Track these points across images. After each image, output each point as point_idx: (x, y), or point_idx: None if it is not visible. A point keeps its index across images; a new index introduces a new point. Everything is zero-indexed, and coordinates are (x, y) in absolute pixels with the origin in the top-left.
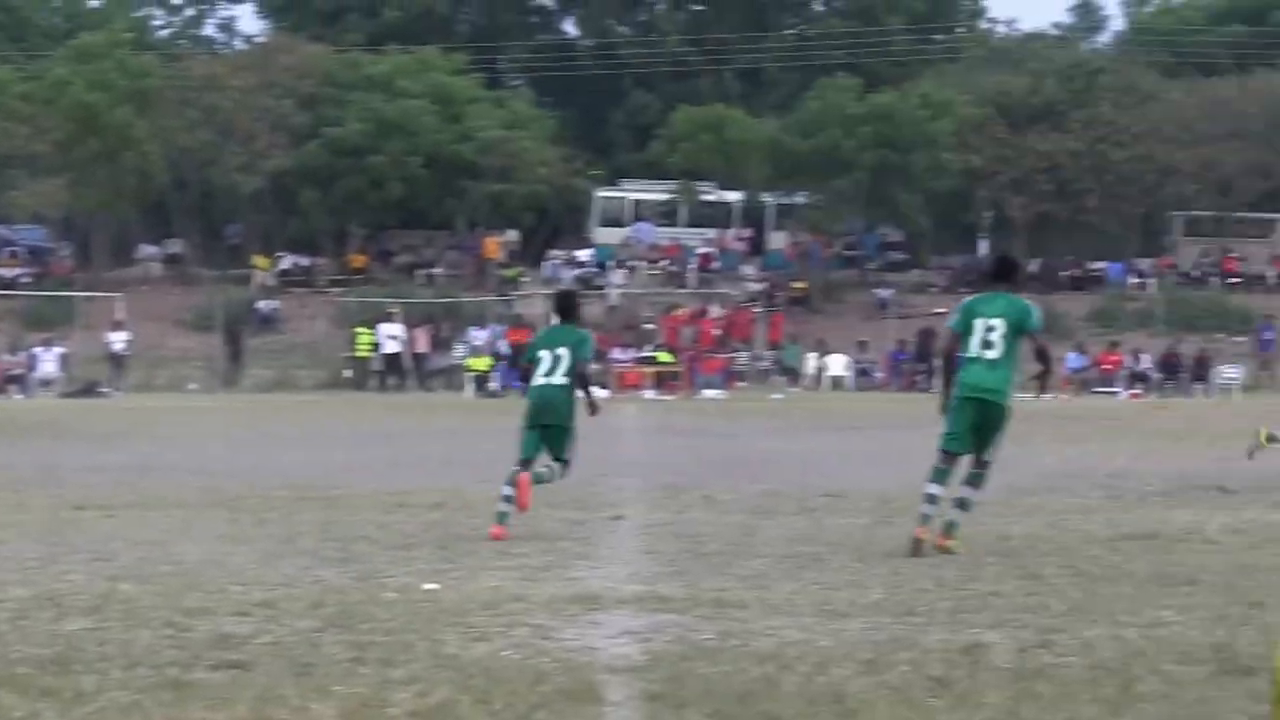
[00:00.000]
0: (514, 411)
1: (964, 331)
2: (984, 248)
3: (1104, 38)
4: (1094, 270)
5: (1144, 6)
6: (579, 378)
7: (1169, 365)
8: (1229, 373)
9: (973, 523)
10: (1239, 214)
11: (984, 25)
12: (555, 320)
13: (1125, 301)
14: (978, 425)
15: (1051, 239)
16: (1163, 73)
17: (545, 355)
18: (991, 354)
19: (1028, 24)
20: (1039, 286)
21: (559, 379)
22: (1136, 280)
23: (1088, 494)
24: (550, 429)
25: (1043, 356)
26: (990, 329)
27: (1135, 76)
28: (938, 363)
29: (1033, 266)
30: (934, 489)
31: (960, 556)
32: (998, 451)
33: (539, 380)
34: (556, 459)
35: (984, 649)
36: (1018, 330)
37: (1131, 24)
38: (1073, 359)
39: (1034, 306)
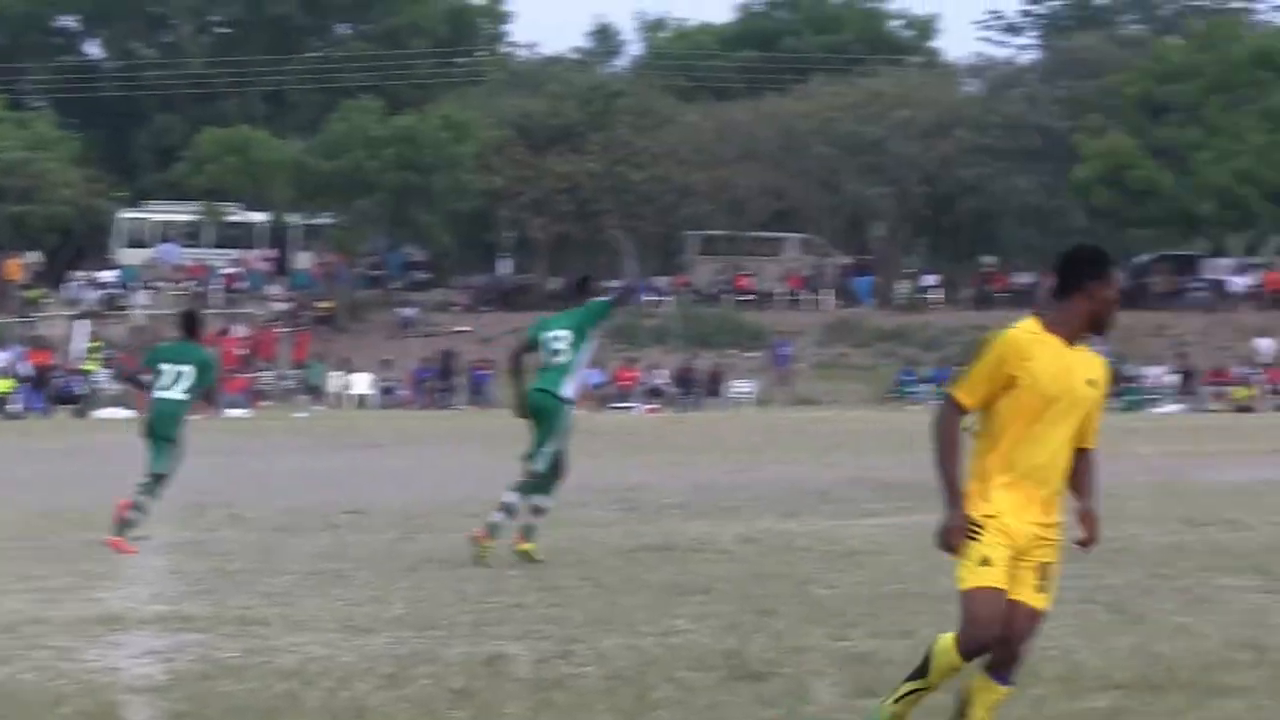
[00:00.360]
0: (34, 433)
1: (535, 343)
2: (505, 267)
3: (622, 62)
4: (611, 289)
5: (660, 31)
6: (203, 396)
7: (684, 380)
8: (742, 387)
9: (498, 536)
10: (751, 233)
11: (505, 49)
12: (178, 336)
13: (643, 318)
14: (538, 426)
15: (572, 258)
16: (679, 96)
17: (168, 369)
18: (558, 360)
19: (548, 48)
20: (559, 305)
21: (178, 394)
22: (654, 297)
23: (607, 507)
24: (159, 440)
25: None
26: (556, 339)
27: (652, 100)
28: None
29: (553, 285)
30: (541, 500)
31: (486, 569)
32: (547, 463)
33: (159, 393)
34: (156, 471)
35: (505, 660)
36: (582, 334)
37: (648, 48)
38: (591, 375)
39: (603, 303)
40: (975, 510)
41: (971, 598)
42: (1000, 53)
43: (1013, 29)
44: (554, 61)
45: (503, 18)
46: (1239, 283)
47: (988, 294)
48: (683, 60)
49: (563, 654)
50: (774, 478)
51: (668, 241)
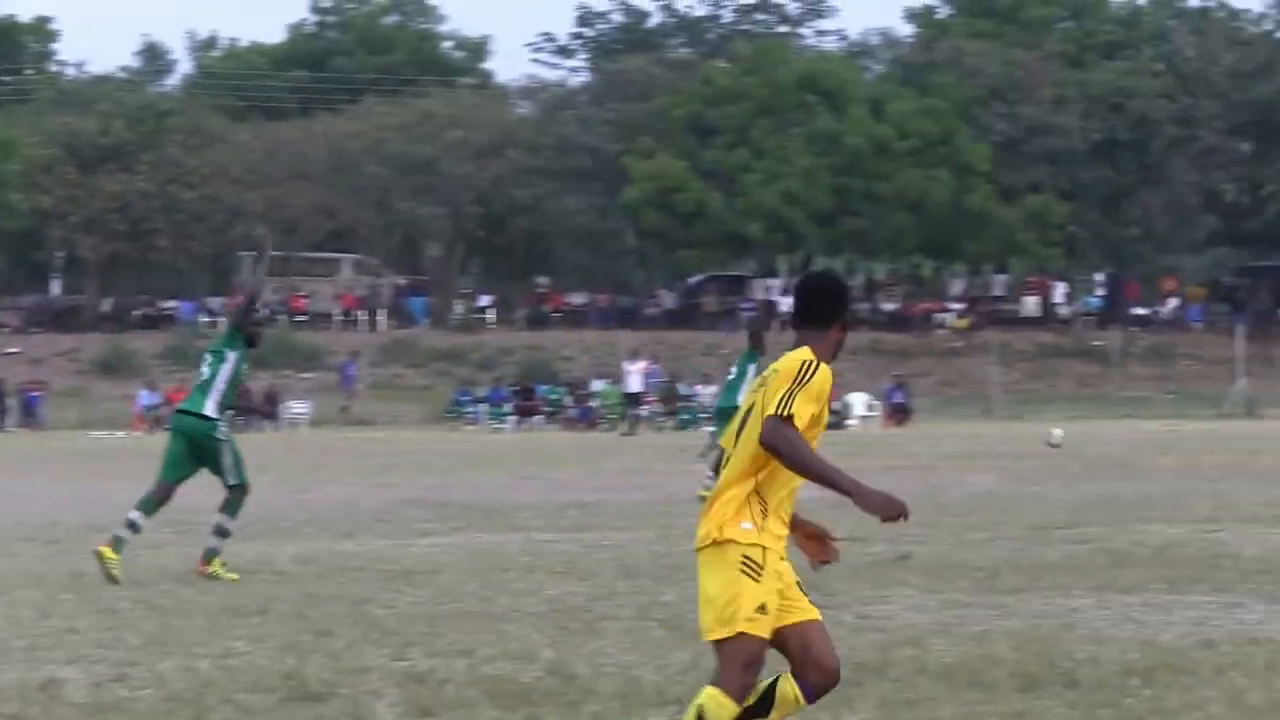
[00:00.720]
0: None
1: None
2: (56, 287)
3: (172, 80)
4: (166, 309)
5: (210, 51)
6: None
7: (241, 402)
8: (297, 408)
9: (44, 561)
10: (305, 253)
11: (53, 67)
12: None
13: (197, 339)
14: (188, 448)
15: (124, 278)
16: (230, 116)
17: None
18: (200, 380)
19: (97, 67)
20: (111, 326)
21: None
22: (208, 318)
23: (160, 529)
24: None
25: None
26: (203, 359)
27: (202, 119)
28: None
29: (105, 306)
30: (135, 515)
31: (40, 594)
32: (240, 473)
33: None
34: None
35: (59, 685)
36: (219, 354)
37: (199, 67)
38: (145, 396)
39: (232, 335)
40: (751, 540)
41: (748, 643)
42: (552, 75)
43: (564, 51)
44: (103, 80)
45: (50, 36)
46: (788, 303)
47: (542, 314)
48: (233, 79)
49: (119, 677)
50: (329, 499)
51: (220, 261)
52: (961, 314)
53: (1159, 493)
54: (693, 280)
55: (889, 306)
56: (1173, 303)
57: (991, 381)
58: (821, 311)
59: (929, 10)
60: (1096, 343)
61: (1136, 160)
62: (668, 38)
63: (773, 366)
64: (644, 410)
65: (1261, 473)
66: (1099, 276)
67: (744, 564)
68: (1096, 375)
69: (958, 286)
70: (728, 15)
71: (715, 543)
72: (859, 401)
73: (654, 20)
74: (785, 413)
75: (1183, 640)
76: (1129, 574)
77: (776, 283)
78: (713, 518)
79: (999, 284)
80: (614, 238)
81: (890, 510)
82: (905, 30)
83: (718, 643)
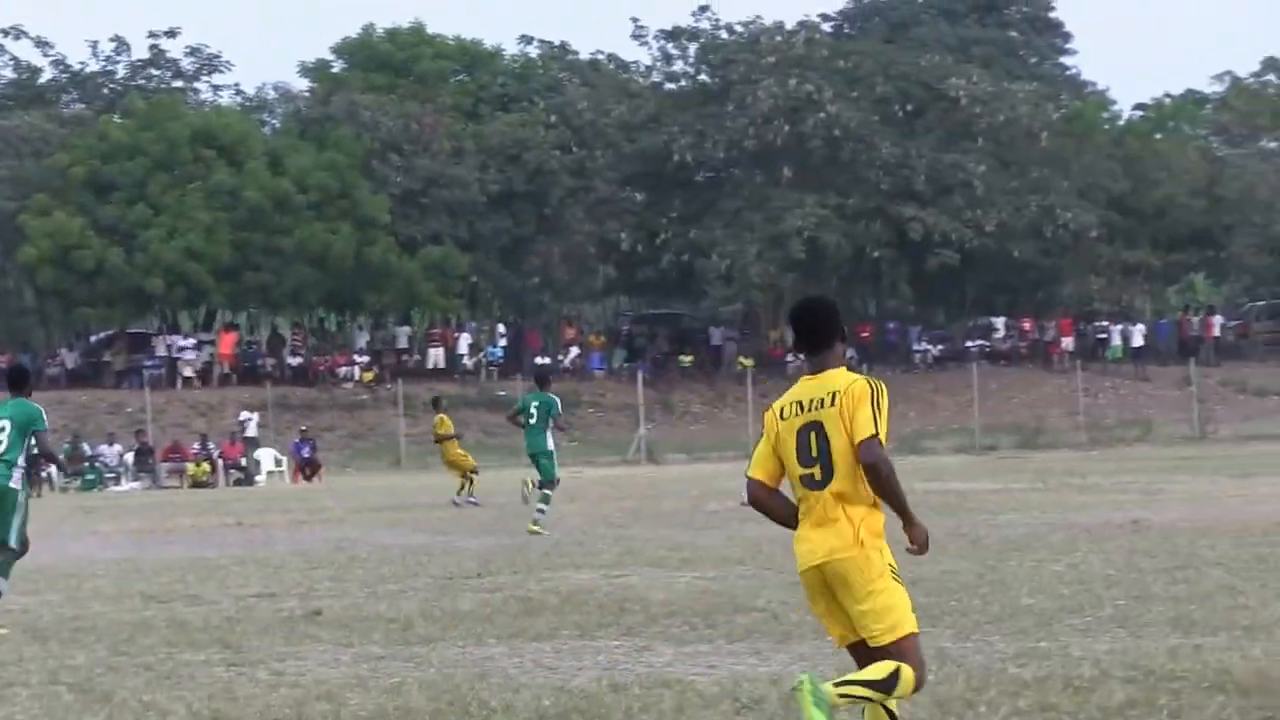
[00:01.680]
0: None
1: None
2: None
3: None
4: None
5: None
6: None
7: None
8: None
9: None
10: None
11: None
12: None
13: None
14: None
15: None
16: None
17: None
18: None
19: None
20: None
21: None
22: None
23: None
24: None
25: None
26: (1, 430)
27: None
28: None
29: None
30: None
31: None
32: (20, 534)
33: None
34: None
35: None
36: (24, 429)
37: None
38: None
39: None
40: (888, 553)
41: (918, 637)
42: None
43: None
44: None
45: None
46: (192, 358)
47: None
48: None
49: None
50: None
51: None
52: (367, 367)
53: (566, 539)
54: (95, 338)
55: (294, 361)
56: (574, 351)
57: (399, 434)
58: (837, 329)
59: (324, 64)
60: (501, 393)
61: (534, 210)
62: (61, 93)
63: (827, 388)
64: (46, 471)
65: (664, 517)
66: (501, 327)
67: (894, 573)
68: (502, 424)
69: (362, 339)
70: (122, 70)
71: (859, 555)
72: (267, 457)
73: (46, 76)
74: (880, 435)
75: (594, 684)
76: (540, 621)
77: (180, 339)
78: (849, 529)
79: (403, 336)
80: (13, 297)
81: (926, 547)
82: (301, 85)
83: (896, 642)
